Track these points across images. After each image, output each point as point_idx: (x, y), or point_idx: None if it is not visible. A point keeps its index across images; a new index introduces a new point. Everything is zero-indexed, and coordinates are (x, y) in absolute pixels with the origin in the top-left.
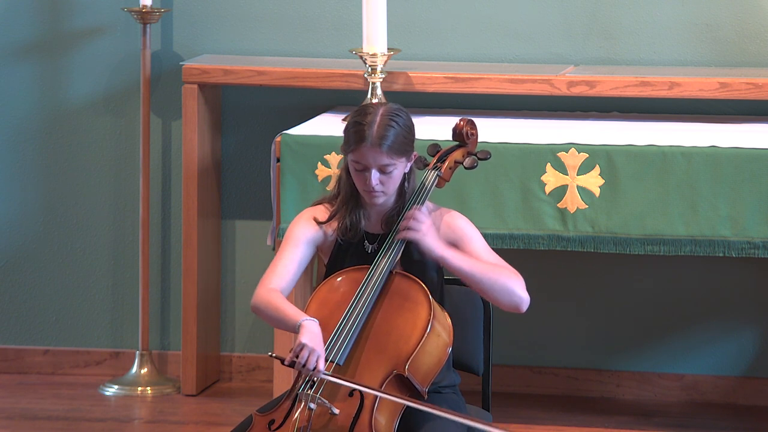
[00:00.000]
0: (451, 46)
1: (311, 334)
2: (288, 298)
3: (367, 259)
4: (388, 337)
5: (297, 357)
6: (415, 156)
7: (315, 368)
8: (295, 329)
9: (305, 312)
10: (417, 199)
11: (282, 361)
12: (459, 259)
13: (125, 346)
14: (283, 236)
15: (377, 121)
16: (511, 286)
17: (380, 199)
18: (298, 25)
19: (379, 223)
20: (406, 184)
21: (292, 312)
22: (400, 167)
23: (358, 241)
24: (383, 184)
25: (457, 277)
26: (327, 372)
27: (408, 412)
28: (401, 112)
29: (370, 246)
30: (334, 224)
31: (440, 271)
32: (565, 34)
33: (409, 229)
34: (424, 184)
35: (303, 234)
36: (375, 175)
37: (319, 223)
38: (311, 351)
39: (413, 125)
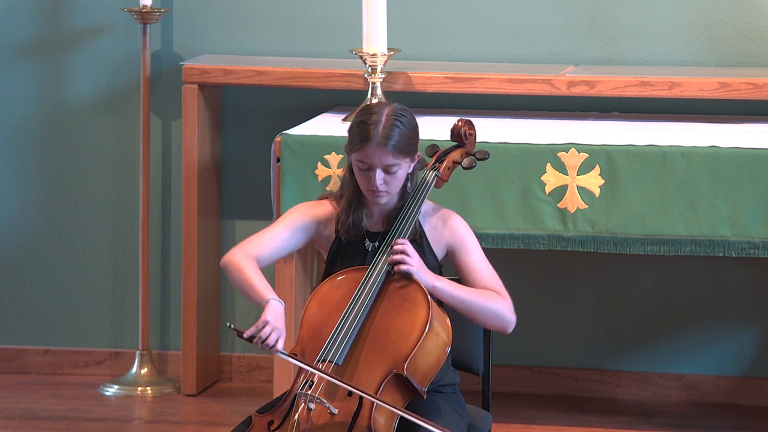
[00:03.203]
0: (451, 46)
1: (275, 313)
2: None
3: (367, 257)
4: (387, 336)
5: (260, 332)
6: (418, 157)
7: (273, 346)
8: (261, 304)
9: (305, 311)
10: (415, 199)
11: (241, 333)
12: (451, 288)
13: (125, 346)
14: None
15: (383, 121)
16: (500, 310)
17: (383, 199)
18: (298, 25)
19: (381, 222)
20: (408, 184)
21: (262, 287)
22: (404, 167)
23: (359, 240)
24: (387, 184)
25: (447, 304)
26: (327, 372)
27: None
28: (406, 112)
29: (371, 244)
30: (333, 222)
31: (439, 272)
32: (565, 34)
33: (401, 263)
34: (423, 185)
35: (300, 220)
36: (379, 175)
37: (318, 219)
38: (274, 328)
39: (417, 125)
